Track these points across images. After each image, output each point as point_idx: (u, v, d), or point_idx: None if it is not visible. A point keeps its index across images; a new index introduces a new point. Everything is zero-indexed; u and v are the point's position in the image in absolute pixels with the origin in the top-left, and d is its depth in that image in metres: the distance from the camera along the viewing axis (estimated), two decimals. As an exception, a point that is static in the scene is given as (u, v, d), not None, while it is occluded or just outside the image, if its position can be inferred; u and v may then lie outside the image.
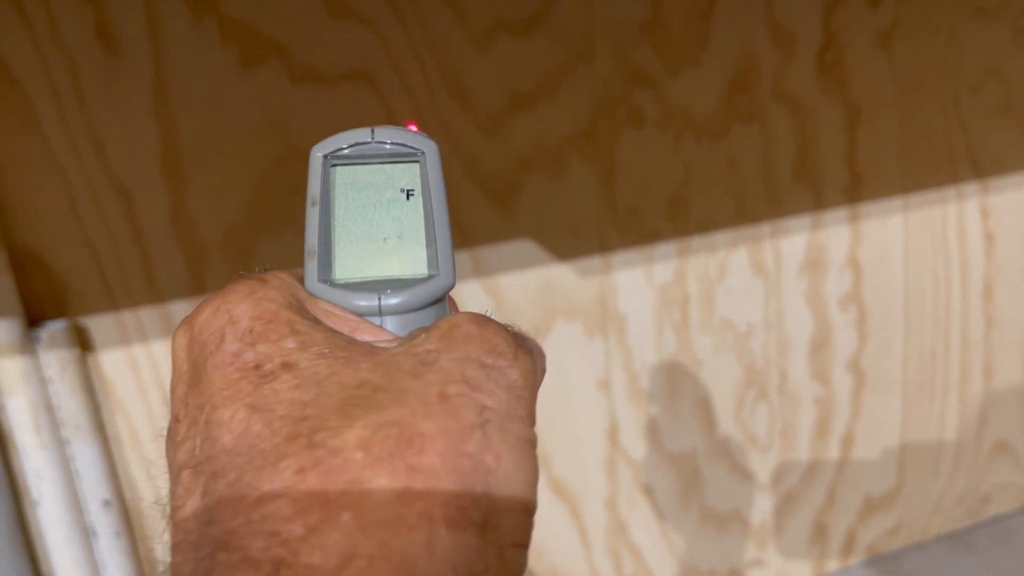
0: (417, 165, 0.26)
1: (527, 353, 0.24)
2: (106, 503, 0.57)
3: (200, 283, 0.57)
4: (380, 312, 0.25)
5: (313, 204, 0.26)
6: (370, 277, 0.26)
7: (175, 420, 0.23)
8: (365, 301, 0.25)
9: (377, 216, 0.26)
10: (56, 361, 0.54)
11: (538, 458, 0.23)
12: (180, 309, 0.56)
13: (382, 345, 0.24)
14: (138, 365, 0.57)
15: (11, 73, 0.50)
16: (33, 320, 0.54)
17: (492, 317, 0.25)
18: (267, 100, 0.55)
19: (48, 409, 0.54)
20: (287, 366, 0.22)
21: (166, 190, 0.54)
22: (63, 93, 0.51)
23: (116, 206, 0.54)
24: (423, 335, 0.23)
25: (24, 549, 0.56)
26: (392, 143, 0.26)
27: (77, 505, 0.56)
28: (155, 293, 0.56)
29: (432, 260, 0.26)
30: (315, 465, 0.20)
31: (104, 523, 0.57)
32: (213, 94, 0.54)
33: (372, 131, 0.26)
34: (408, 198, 0.26)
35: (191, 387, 0.23)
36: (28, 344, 0.53)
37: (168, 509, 0.23)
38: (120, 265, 0.55)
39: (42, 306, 0.54)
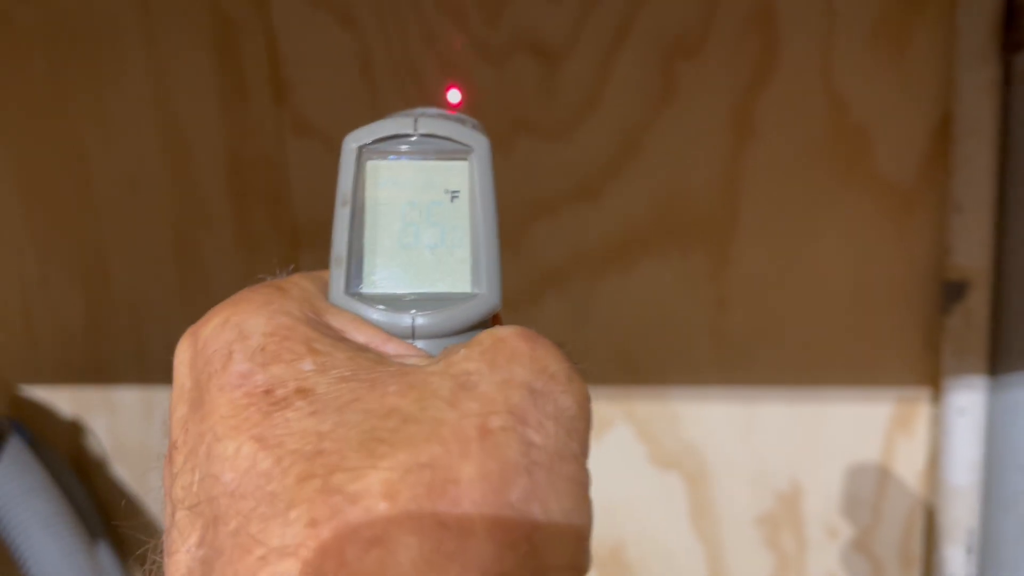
0: (465, 163, 0.23)
1: (581, 376, 0.21)
2: None
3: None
4: (413, 334, 0.22)
5: (344, 204, 0.23)
6: (404, 292, 0.23)
7: (173, 446, 0.20)
8: (396, 320, 0.22)
9: (416, 220, 0.23)
10: None
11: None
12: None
13: (412, 362, 0.21)
14: None
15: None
16: None
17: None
18: None
19: None
20: (303, 392, 0.19)
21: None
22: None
23: None
24: (462, 351, 0.20)
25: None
26: (438, 136, 0.23)
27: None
28: None
29: (477, 275, 0.23)
30: (331, 516, 0.17)
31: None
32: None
33: (415, 121, 0.23)
34: (452, 201, 0.23)
35: (192, 410, 0.20)
36: None
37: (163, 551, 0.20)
38: None
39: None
